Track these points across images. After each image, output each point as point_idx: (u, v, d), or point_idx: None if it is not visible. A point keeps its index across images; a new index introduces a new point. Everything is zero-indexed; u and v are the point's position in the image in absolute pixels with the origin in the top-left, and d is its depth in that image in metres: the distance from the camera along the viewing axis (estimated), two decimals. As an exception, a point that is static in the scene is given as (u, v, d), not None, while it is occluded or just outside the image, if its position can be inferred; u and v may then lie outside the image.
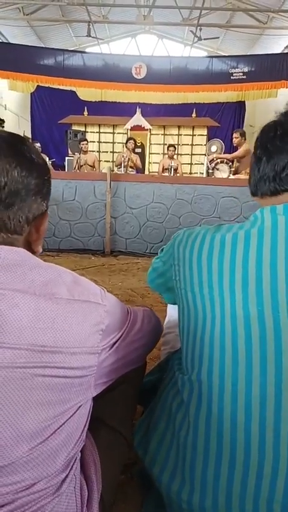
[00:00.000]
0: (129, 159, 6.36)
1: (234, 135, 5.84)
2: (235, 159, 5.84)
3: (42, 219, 0.65)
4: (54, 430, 0.57)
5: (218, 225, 0.74)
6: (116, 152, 9.20)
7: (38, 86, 8.84)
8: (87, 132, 9.35)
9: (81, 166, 6.37)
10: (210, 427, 0.67)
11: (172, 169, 6.22)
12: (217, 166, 5.78)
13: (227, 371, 0.65)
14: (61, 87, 9.20)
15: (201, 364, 0.70)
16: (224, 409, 0.65)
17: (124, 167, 6.04)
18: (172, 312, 1.30)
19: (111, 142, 9.87)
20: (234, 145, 5.89)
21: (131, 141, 6.72)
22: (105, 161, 9.26)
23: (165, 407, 0.81)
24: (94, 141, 9.58)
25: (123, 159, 6.16)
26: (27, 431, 0.53)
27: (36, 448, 0.55)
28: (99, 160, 8.17)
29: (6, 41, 9.68)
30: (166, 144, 8.58)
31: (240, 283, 0.65)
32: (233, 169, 5.72)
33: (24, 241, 0.62)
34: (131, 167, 6.50)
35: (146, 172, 8.78)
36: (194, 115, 9.66)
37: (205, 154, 6.71)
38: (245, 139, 5.80)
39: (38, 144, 7.24)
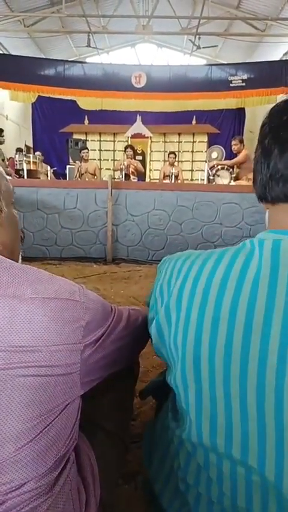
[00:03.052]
0: (130, 165, 6.41)
1: (233, 142, 5.87)
2: (235, 165, 5.86)
3: None
4: (41, 430, 0.57)
5: (204, 254, 0.62)
6: (116, 160, 9.26)
7: (38, 96, 8.95)
8: (88, 140, 9.43)
9: (82, 174, 6.41)
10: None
11: (173, 176, 6.23)
12: (218, 173, 5.78)
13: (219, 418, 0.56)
14: (62, 97, 9.29)
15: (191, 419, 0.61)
16: (218, 447, 0.57)
17: (124, 173, 6.06)
18: None
19: (112, 150, 9.95)
20: (234, 152, 5.92)
21: (128, 148, 6.82)
22: (106, 169, 9.33)
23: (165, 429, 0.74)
24: (95, 150, 9.65)
25: (123, 166, 6.20)
26: (12, 432, 0.53)
27: (23, 448, 0.55)
28: (100, 168, 8.22)
29: (7, 53, 9.82)
30: (167, 152, 8.62)
31: (210, 323, 0.55)
32: (234, 175, 5.72)
33: None
34: (132, 173, 6.53)
35: (147, 179, 8.83)
36: (194, 122, 9.73)
37: (206, 161, 6.73)
38: (243, 145, 5.83)
39: (38, 153, 7.30)
